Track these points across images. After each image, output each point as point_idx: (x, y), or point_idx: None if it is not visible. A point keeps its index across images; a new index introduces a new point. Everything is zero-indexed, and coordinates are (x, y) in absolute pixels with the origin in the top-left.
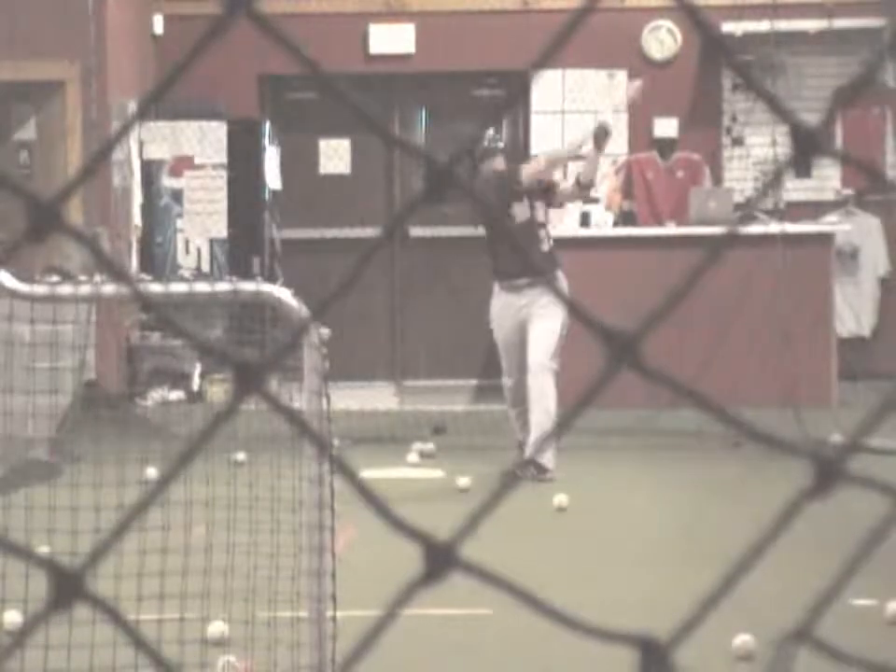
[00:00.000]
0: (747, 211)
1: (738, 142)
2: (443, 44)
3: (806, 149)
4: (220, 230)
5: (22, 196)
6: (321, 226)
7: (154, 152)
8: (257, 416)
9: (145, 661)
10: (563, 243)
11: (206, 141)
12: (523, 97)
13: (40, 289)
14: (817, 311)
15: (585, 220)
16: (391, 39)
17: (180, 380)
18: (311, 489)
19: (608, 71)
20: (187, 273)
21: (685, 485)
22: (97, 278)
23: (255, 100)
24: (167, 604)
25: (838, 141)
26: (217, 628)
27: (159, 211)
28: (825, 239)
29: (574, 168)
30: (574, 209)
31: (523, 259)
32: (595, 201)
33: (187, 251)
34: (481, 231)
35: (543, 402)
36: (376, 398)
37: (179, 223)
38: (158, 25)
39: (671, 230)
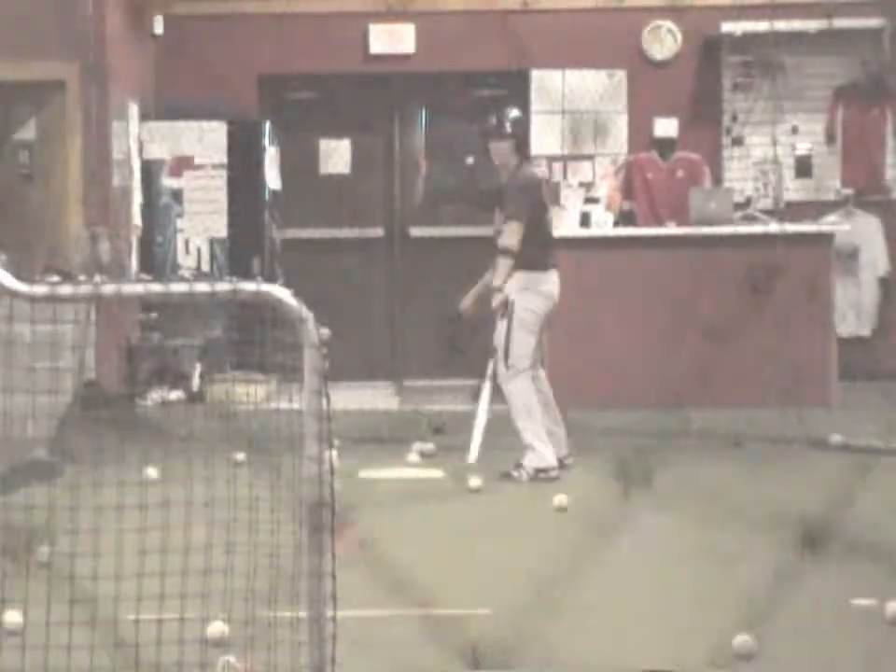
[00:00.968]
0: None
1: (738, 142)
2: (443, 44)
3: None
4: (220, 230)
5: None
6: (321, 226)
7: (154, 152)
8: (257, 416)
9: (145, 661)
10: (563, 243)
11: (206, 141)
12: (522, 97)
13: (40, 289)
14: (817, 311)
15: (585, 220)
16: (391, 39)
17: (180, 380)
18: (311, 489)
19: (608, 71)
20: (187, 273)
21: (685, 485)
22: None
23: (255, 100)
24: (167, 604)
25: (838, 141)
26: (216, 628)
27: (159, 211)
28: (825, 239)
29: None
30: (574, 209)
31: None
32: (596, 201)
33: (187, 251)
34: (480, 231)
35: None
36: (376, 398)
37: (179, 223)
38: (158, 25)
39: (671, 230)
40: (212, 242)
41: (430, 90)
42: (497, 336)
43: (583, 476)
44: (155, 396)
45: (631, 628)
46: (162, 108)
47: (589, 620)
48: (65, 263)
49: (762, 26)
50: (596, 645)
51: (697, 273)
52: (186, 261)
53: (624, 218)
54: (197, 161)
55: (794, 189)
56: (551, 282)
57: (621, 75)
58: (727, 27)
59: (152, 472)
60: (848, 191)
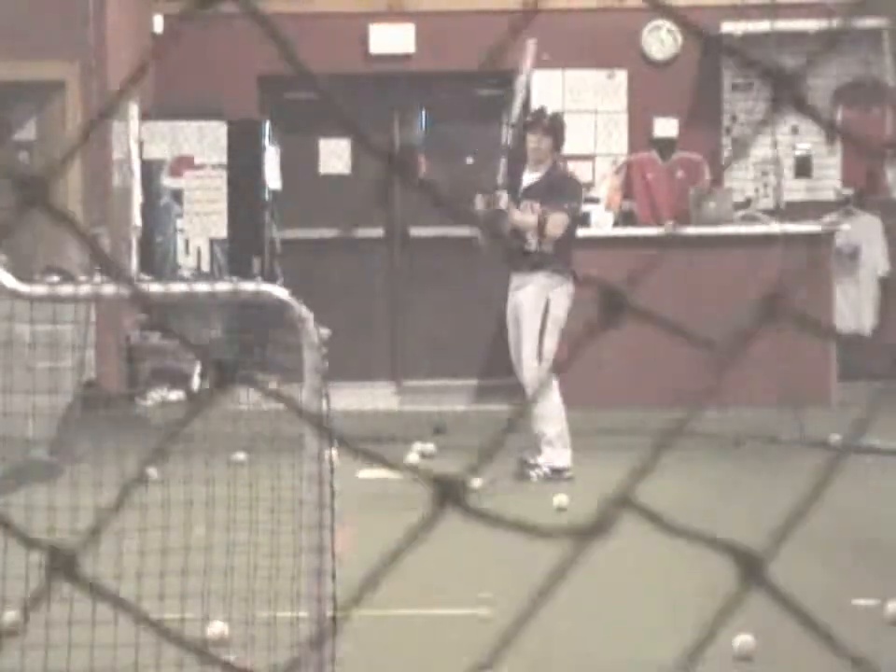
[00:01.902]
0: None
1: (738, 142)
2: (443, 44)
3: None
4: (220, 230)
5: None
6: (321, 226)
7: (154, 152)
8: (257, 416)
9: (145, 661)
10: None
11: (206, 141)
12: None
13: (40, 289)
14: (817, 311)
15: (585, 220)
16: (391, 39)
17: (180, 380)
18: (311, 489)
19: (608, 71)
20: (187, 273)
21: (685, 485)
22: (97, 278)
23: (255, 100)
24: (167, 604)
25: (838, 141)
26: (216, 628)
27: (159, 211)
28: (825, 239)
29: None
30: None
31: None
32: (596, 201)
33: (187, 251)
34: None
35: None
36: (376, 398)
37: (179, 223)
38: (158, 25)
39: (671, 230)
40: (212, 242)
41: (430, 90)
42: (516, 340)
43: (584, 476)
44: (155, 396)
45: (631, 628)
46: (162, 108)
47: (589, 619)
48: (65, 263)
49: (762, 26)
50: (597, 645)
51: (697, 273)
52: (186, 261)
53: (624, 218)
54: (197, 160)
55: (794, 189)
56: (573, 285)
57: (621, 75)
58: (727, 27)
59: (152, 472)
60: (848, 191)
